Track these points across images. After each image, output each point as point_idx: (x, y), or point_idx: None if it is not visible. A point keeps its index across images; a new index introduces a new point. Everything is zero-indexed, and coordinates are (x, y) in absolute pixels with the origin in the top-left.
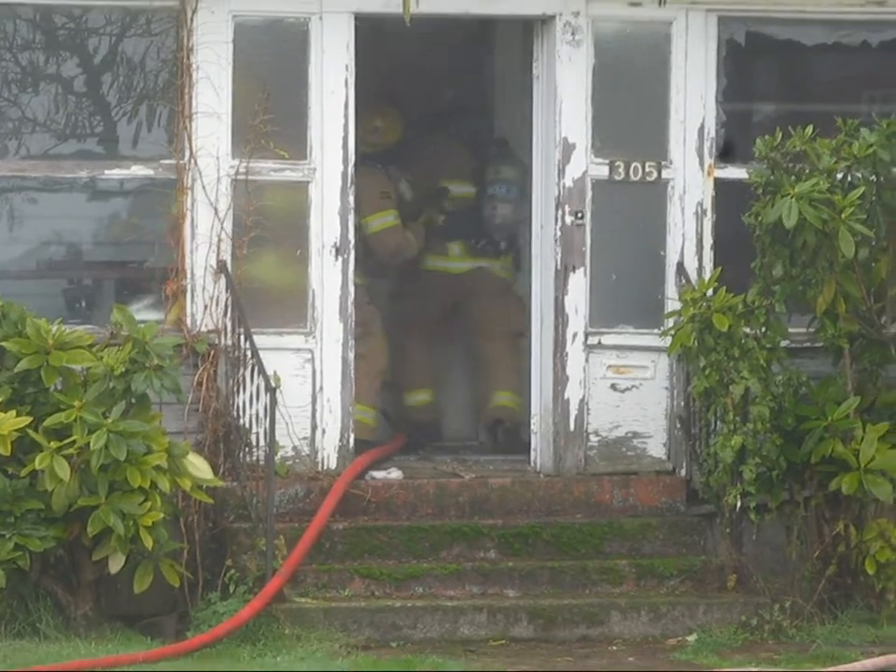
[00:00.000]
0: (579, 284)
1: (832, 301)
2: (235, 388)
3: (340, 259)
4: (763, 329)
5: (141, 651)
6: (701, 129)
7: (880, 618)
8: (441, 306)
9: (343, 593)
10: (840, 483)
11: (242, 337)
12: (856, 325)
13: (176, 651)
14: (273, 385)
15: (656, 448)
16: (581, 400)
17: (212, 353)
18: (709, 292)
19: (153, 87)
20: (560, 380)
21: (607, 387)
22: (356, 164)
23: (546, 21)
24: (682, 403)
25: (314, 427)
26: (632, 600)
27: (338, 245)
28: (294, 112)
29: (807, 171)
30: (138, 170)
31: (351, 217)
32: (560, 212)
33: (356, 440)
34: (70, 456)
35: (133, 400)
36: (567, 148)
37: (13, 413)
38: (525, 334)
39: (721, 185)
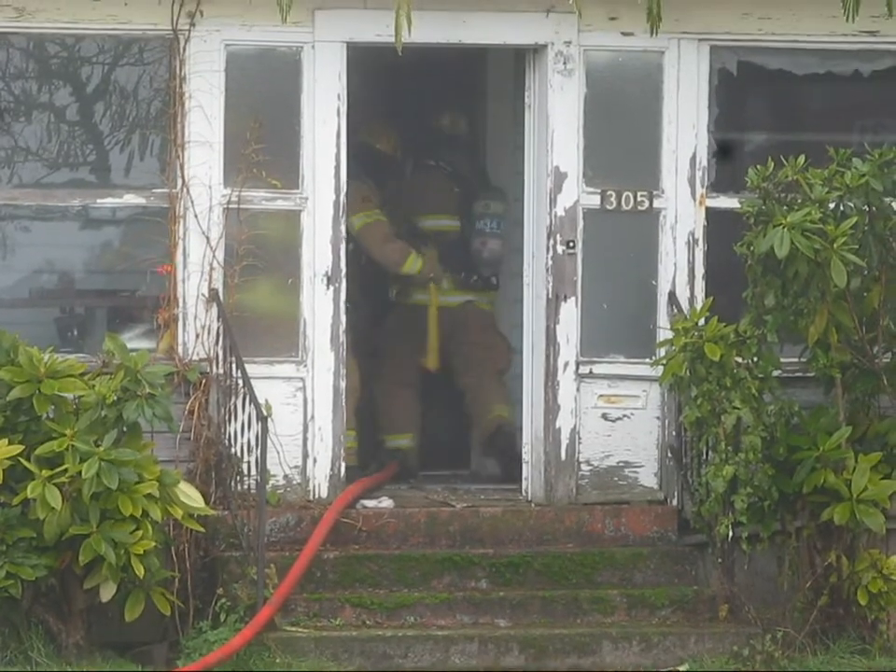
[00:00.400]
0: (570, 313)
1: (824, 331)
2: (227, 417)
3: (331, 287)
4: (755, 359)
5: None
6: (693, 158)
7: (872, 649)
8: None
9: (334, 622)
10: (832, 513)
11: (233, 365)
12: (848, 355)
13: None
14: (265, 413)
15: (648, 478)
16: (573, 430)
17: (203, 381)
18: (701, 322)
19: (146, 115)
20: (551, 409)
21: (598, 417)
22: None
23: (538, 50)
24: (674, 433)
25: (305, 456)
26: (623, 630)
27: (329, 273)
28: (286, 141)
29: (799, 201)
30: (130, 199)
31: (342, 247)
32: (552, 241)
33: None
34: (62, 485)
35: (125, 429)
36: (559, 177)
37: (5, 441)
38: (507, 370)
39: (712, 214)
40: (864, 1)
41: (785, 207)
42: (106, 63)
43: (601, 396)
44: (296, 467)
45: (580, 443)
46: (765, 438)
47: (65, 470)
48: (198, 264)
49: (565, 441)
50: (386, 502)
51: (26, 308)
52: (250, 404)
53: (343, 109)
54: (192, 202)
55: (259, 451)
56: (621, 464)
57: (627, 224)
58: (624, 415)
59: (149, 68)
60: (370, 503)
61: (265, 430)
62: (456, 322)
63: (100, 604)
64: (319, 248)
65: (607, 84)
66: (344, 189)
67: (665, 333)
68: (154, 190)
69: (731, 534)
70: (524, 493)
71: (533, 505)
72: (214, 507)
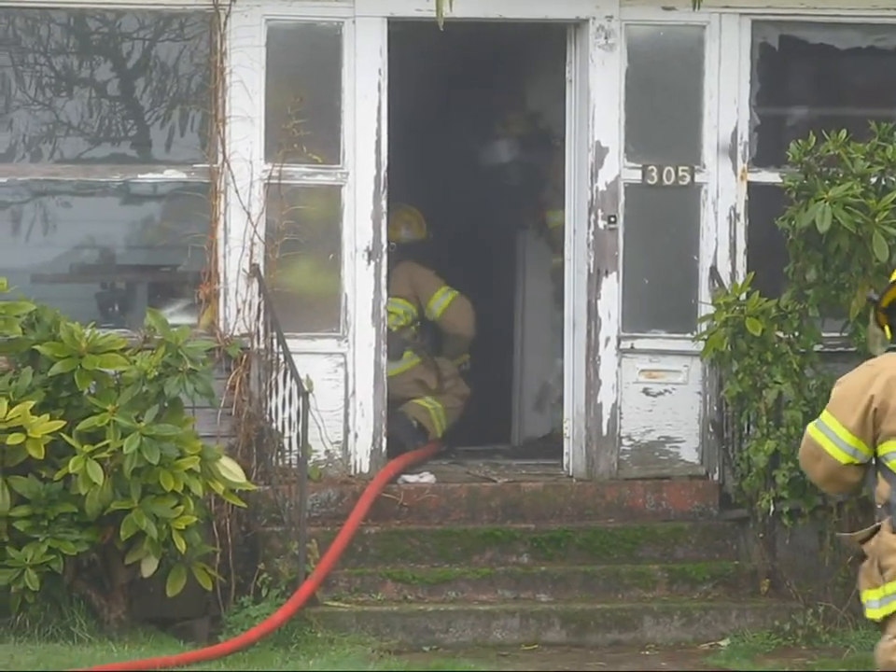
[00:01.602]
0: (611, 288)
1: (865, 306)
2: (268, 392)
3: (372, 263)
4: (797, 334)
5: (174, 655)
6: (734, 133)
7: None
8: None
9: (376, 597)
10: None
11: (274, 341)
12: None
13: (209, 654)
14: (306, 388)
15: (689, 452)
16: (614, 405)
17: (244, 357)
18: (742, 296)
19: (186, 91)
20: (593, 384)
21: (639, 392)
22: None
23: (579, 24)
24: (715, 408)
25: (346, 431)
26: (664, 605)
27: (370, 249)
28: (327, 116)
29: (841, 175)
30: (171, 174)
31: (384, 222)
32: (593, 216)
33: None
34: (103, 460)
35: (166, 404)
36: (600, 152)
37: (47, 416)
38: None
39: (754, 189)
40: None
41: (826, 182)
42: (147, 39)
43: (642, 371)
44: (337, 442)
45: (621, 418)
46: (807, 412)
47: (107, 446)
48: (239, 240)
49: (606, 417)
50: (428, 477)
51: (67, 283)
52: (291, 379)
53: (384, 84)
54: (233, 177)
55: (300, 426)
56: (662, 439)
57: (669, 199)
58: (666, 390)
59: (190, 43)
60: (411, 478)
61: (306, 406)
62: None
63: (141, 579)
64: (360, 224)
65: (648, 59)
66: (385, 164)
67: (706, 308)
68: (195, 166)
69: (772, 509)
70: (565, 468)
71: (574, 480)
72: (255, 482)
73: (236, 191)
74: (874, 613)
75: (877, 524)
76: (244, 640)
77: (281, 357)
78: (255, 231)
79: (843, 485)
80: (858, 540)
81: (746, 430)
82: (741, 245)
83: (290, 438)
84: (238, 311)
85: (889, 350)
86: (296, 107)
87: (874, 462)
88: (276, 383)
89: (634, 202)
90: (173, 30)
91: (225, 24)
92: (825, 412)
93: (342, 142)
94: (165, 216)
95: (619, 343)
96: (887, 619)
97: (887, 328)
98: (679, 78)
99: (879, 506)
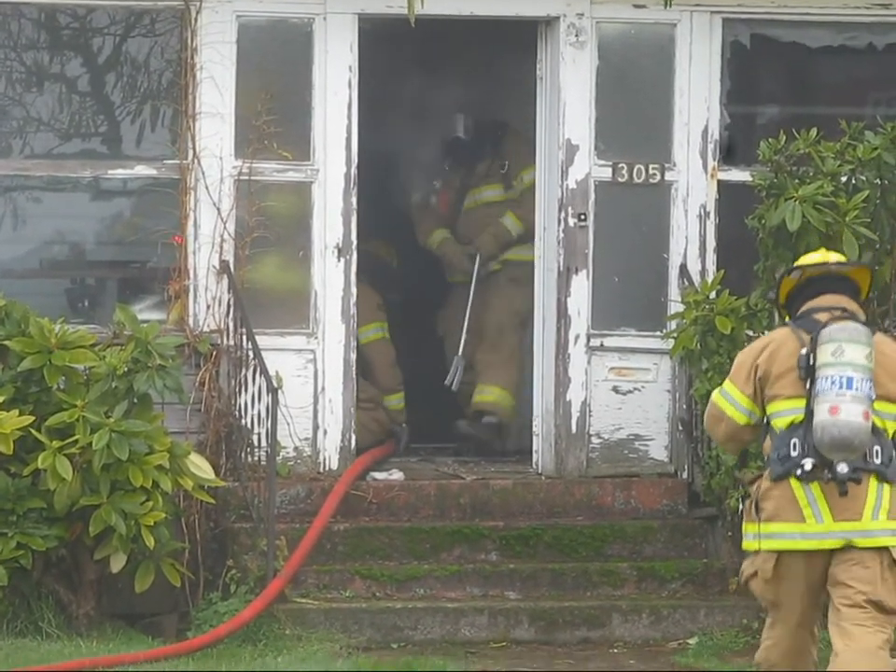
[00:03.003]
0: (581, 286)
1: None
2: (237, 388)
3: (342, 260)
4: (766, 332)
5: (142, 651)
6: (705, 131)
7: None
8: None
9: (344, 594)
10: None
11: (244, 337)
12: None
13: (178, 650)
14: (275, 385)
15: (658, 451)
16: (583, 402)
17: (214, 353)
18: (712, 295)
19: (157, 87)
20: (562, 382)
21: (608, 390)
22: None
23: (550, 22)
24: (684, 406)
25: (315, 428)
26: (633, 603)
27: (340, 246)
28: (297, 113)
29: (811, 174)
30: (141, 170)
31: (353, 219)
32: (563, 214)
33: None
34: (72, 456)
35: (136, 400)
36: (571, 150)
37: (16, 412)
38: None
39: (724, 187)
40: None
41: (797, 180)
42: (118, 34)
43: (612, 369)
44: (306, 439)
45: (590, 416)
46: None
47: (76, 441)
48: (209, 236)
49: (575, 414)
50: (397, 474)
51: (37, 279)
52: (261, 376)
53: (355, 81)
54: (203, 173)
55: (269, 422)
56: (631, 437)
57: (639, 197)
58: (635, 388)
59: (161, 39)
60: (380, 475)
61: (275, 402)
62: None
63: (110, 575)
64: (330, 220)
65: (619, 57)
66: (356, 161)
67: (676, 306)
68: (165, 161)
69: (741, 507)
70: (534, 466)
71: (543, 478)
72: (224, 478)
73: (206, 188)
74: (749, 544)
75: (762, 473)
76: (212, 637)
77: (250, 353)
78: (225, 228)
79: (740, 443)
80: (747, 481)
81: None
82: (711, 243)
83: (259, 434)
84: (208, 307)
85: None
86: (266, 104)
87: (765, 422)
88: (246, 379)
89: (604, 200)
90: (143, 26)
91: (196, 20)
92: (727, 380)
93: (312, 138)
94: (135, 211)
95: (588, 341)
96: (757, 552)
97: (787, 317)
98: (650, 76)
99: (765, 458)
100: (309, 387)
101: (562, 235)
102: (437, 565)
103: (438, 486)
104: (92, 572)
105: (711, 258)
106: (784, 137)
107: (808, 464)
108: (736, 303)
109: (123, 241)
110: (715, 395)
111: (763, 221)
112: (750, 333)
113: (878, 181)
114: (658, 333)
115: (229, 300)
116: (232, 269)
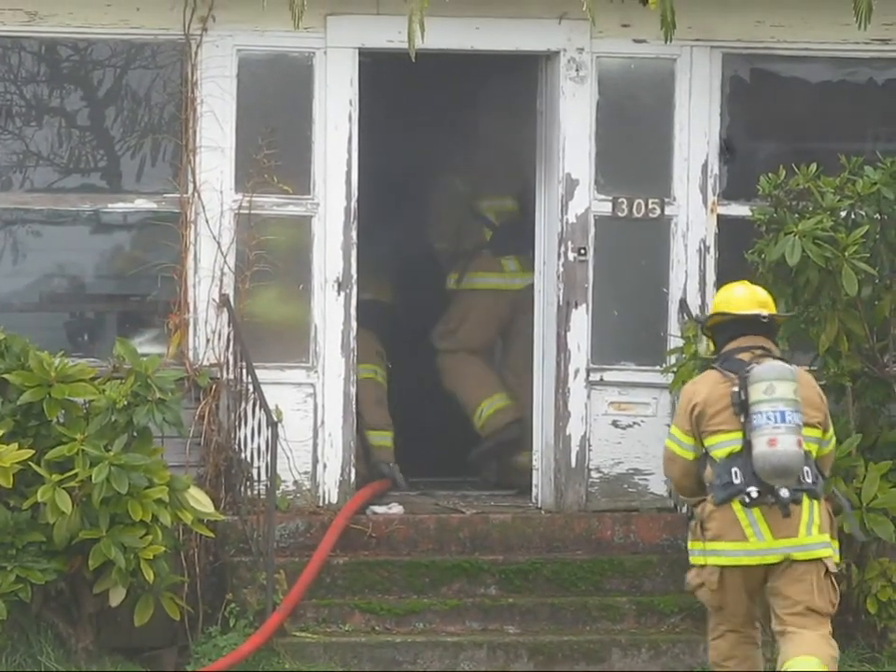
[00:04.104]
0: (581, 320)
1: (834, 339)
2: (237, 422)
3: (342, 293)
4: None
5: None
6: (705, 165)
7: (881, 657)
8: (497, 324)
9: (344, 627)
10: (842, 522)
11: (244, 371)
12: (859, 363)
13: None
14: (275, 419)
15: (657, 485)
16: (583, 437)
17: (214, 387)
18: None
19: (157, 120)
20: (562, 416)
21: (608, 424)
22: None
23: (550, 56)
24: None
25: (315, 462)
26: (632, 637)
27: (340, 280)
28: (298, 147)
29: (811, 209)
30: (142, 203)
31: (354, 252)
32: (563, 248)
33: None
34: (72, 489)
35: (135, 434)
36: (571, 185)
37: (15, 445)
38: None
39: (724, 222)
40: (877, 9)
41: (796, 215)
42: (118, 68)
43: (612, 403)
44: (306, 472)
45: (590, 450)
46: None
47: (75, 475)
48: (209, 269)
49: (575, 449)
50: (396, 508)
51: (37, 312)
52: (260, 410)
53: (355, 115)
54: (203, 207)
55: (269, 456)
56: (631, 471)
57: (639, 231)
58: (635, 423)
59: (161, 73)
60: (379, 509)
61: (275, 436)
62: (523, 304)
63: (109, 608)
64: (330, 254)
65: (619, 91)
66: (356, 195)
67: (675, 341)
68: (165, 195)
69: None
70: (533, 500)
71: (543, 512)
72: (224, 512)
73: (206, 221)
74: (696, 559)
75: (705, 497)
76: (211, 671)
77: (250, 387)
78: (225, 261)
79: (693, 478)
80: (692, 504)
81: None
82: (711, 277)
83: (259, 468)
84: (208, 341)
85: (709, 367)
86: (266, 137)
87: (704, 453)
88: (245, 413)
89: (604, 234)
90: (144, 59)
91: (196, 54)
92: (672, 425)
93: (312, 172)
94: (135, 245)
95: (588, 375)
96: (703, 566)
97: (710, 341)
98: (650, 111)
99: (707, 484)
100: (309, 421)
101: (562, 269)
102: (436, 599)
103: (437, 520)
104: (92, 606)
105: (711, 292)
106: (784, 172)
107: (754, 492)
108: None
109: (123, 274)
110: (666, 441)
111: (763, 256)
112: None
113: (878, 216)
114: (658, 368)
115: (228, 333)
116: (232, 302)
